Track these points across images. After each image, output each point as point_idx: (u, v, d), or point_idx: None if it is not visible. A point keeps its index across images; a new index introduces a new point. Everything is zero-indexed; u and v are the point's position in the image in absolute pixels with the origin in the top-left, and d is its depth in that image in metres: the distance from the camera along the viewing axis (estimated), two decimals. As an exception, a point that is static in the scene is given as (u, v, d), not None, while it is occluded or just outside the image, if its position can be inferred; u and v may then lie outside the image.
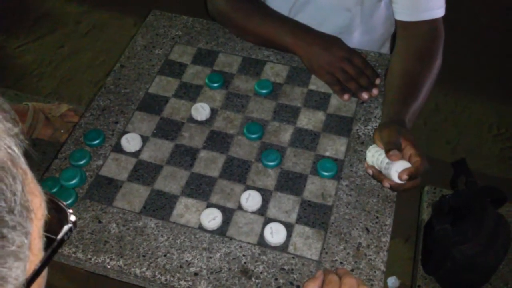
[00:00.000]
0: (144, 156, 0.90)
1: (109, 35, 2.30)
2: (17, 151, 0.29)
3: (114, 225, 0.81)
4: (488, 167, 1.81)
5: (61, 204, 0.35)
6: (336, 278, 0.67)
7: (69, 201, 0.82)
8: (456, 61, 1.94)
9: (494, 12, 2.35)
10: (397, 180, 0.78)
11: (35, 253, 0.31)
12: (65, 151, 0.90)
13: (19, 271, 0.28)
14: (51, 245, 0.34)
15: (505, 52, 2.17)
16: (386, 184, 0.80)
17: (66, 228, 0.34)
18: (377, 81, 0.96)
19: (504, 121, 1.95)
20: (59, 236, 0.34)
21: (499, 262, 1.04)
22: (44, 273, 0.33)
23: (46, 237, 0.33)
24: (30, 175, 0.31)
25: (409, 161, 0.78)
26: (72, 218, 0.35)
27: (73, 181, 0.84)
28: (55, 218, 0.34)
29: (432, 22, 0.94)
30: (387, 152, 0.78)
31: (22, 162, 0.30)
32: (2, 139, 0.28)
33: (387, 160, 0.79)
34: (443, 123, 1.95)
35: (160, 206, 0.83)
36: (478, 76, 2.09)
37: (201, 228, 0.81)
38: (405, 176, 0.76)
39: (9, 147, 0.29)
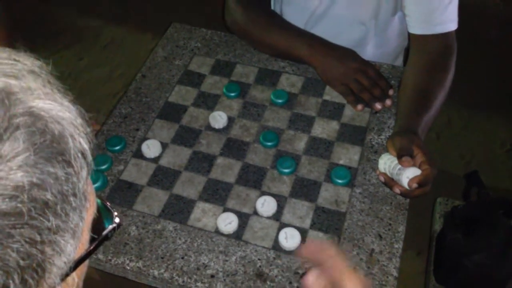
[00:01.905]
0: (164, 162, 0.93)
1: (128, 48, 2.36)
2: (86, 147, 0.34)
3: (134, 228, 0.84)
4: (501, 182, 1.80)
5: (108, 205, 0.39)
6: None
7: (97, 185, 0.86)
8: (470, 76, 1.96)
9: (506, 26, 2.37)
10: (407, 186, 0.80)
11: (83, 243, 0.36)
12: (87, 156, 0.94)
13: (72, 248, 0.32)
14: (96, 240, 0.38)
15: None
16: (397, 190, 0.82)
17: (110, 227, 0.39)
18: (391, 92, 0.99)
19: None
20: (105, 232, 0.39)
21: (511, 273, 1.04)
22: (87, 262, 0.37)
23: (91, 236, 0.38)
24: (90, 172, 0.36)
25: (420, 168, 0.80)
26: (117, 219, 0.40)
27: (96, 185, 0.87)
28: (101, 218, 0.39)
29: (445, 36, 0.97)
30: (399, 158, 0.80)
31: (89, 157, 0.34)
32: (78, 134, 0.33)
33: (399, 166, 0.81)
34: (456, 137, 1.96)
35: (178, 210, 0.86)
36: (492, 91, 2.10)
37: (217, 232, 0.83)
38: (414, 185, 0.78)
39: (82, 142, 0.34)
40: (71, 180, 0.32)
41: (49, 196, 0.30)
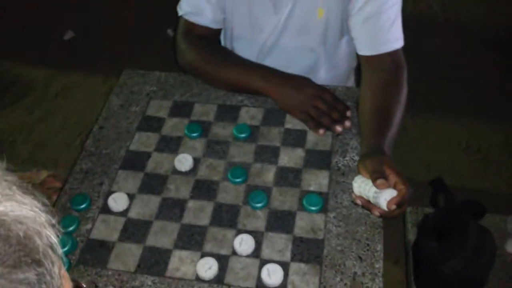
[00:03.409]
0: (133, 214, 0.90)
1: (79, 95, 2.32)
2: (55, 240, 0.33)
3: None
4: (463, 180, 1.87)
5: (83, 287, 0.38)
6: None
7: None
8: (419, 83, 2.03)
9: (446, 34, 2.49)
10: (386, 208, 0.81)
11: None
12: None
13: None
14: None
15: (465, 68, 2.28)
16: (376, 213, 0.83)
17: None
18: (348, 113, 1.01)
19: (472, 135, 2.03)
20: None
21: (487, 272, 1.07)
22: None
23: None
24: (62, 262, 0.35)
25: (395, 188, 0.81)
26: None
27: (65, 249, 0.84)
28: None
29: (393, 54, 1.00)
30: (373, 181, 0.81)
31: (59, 250, 0.34)
32: (45, 229, 0.33)
33: (374, 189, 0.82)
34: (413, 143, 2.02)
35: (154, 262, 0.84)
36: (441, 94, 2.18)
37: (198, 279, 0.81)
38: (393, 206, 0.79)
39: (50, 236, 0.33)
40: (44, 280, 0.31)
41: None
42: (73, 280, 0.37)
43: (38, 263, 0.31)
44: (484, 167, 1.92)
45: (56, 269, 0.33)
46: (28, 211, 0.33)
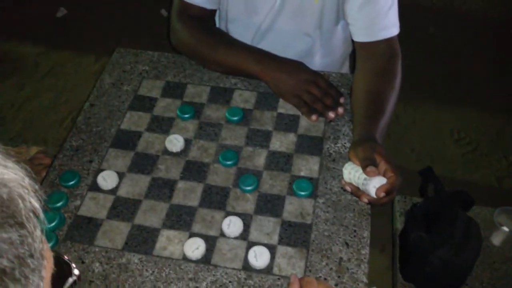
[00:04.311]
0: (122, 192, 0.90)
1: (70, 73, 2.29)
2: (37, 205, 0.34)
3: (97, 264, 0.81)
4: (453, 171, 1.88)
5: (65, 259, 0.38)
6: (312, 279, 0.70)
7: (50, 244, 0.81)
8: (412, 71, 2.03)
9: (440, 22, 2.48)
10: (375, 196, 0.81)
11: None
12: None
13: None
14: None
15: (459, 58, 2.28)
16: (365, 200, 0.83)
17: (70, 280, 0.39)
18: (342, 100, 1.01)
19: (463, 126, 2.04)
20: (65, 287, 0.39)
21: (473, 262, 1.08)
22: None
23: None
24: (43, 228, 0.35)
25: (384, 176, 0.81)
26: (76, 272, 0.40)
27: (52, 224, 0.83)
28: (60, 272, 0.38)
29: (389, 41, 1.00)
30: (364, 168, 0.81)
31: (41, 215, 0.34)
32: (28, 194, 0.33)
33: (364, 176, 0.82)
34: (405, 132, 2.03)
35: (142, 240, 0.84)
36: (434, 84, 2.19)
37: (185, 258, 0.81)
38: (382, 194, 0.79)
39: (32, 201, 0.33)
40: (26, 241, 0.32)
41: (5, 262, 0.30)
42: (54, 251, 0.37)
43: (21, 225, 0.32)
44: (475, 159, 1.93)
45: (38, 233, 0.33)
46: (12, 174, 0.33)
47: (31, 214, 0.33)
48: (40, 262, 0.33)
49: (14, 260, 0.30)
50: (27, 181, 0.34)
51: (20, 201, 0.32)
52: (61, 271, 0.39)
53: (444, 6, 2.58)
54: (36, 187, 0.35)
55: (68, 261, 0.40)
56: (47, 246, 0.36)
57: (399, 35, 1.02)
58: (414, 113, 2.09)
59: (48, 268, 0.35)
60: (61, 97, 2.18)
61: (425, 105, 2.12)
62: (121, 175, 0.92)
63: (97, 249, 0.83)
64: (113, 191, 0.90)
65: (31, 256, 0.32)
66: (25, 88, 2.23)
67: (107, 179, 0.90)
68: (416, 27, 2.35)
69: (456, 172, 1.88)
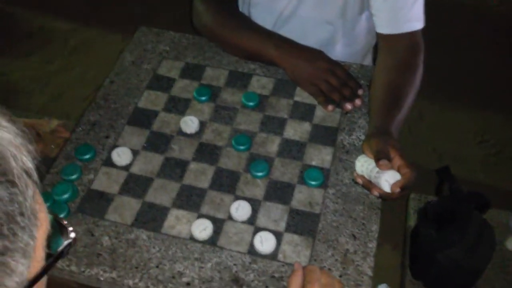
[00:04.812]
0: (135, 169, 0.91)
1: (98, 51, 2.32)
2: (31, 165, 0.34)
3: (106, 238, 0.82)
4: (474, 174, 1.84)
5: (62, 222, 0.39)
6: (315, 267, 0.69)
7: (61, 215, 0.83)
8: (440, 70, 1.99)
9: (471, 21, 2.41)
10: (386, 189, 0.80)
11: (38, 260, 0.35)
12: (56, 166, 0.92)
13: (24, 268, 0.32)
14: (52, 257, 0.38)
15: (488, 60, 2.22)
16: (375, 193, 0.82)
17: (66, 242, 0.39)
18: (360, 92, 0.99)
19: (488, 129, 1.99)
20: (60, 249, 0.39)
21: (484, 266, 1.06)
22: (44, 280, 0.37)
23: (47, 253, 0.38)
24: (38, 190, 0.36)
25: (399, 172, 0.80)
26: (72, 234, 0.40)
27: (65, 196, 0.85)
28: (56, 235, 0.39)
29: (412, 34, 0.97)
30: (376, 161, 0.80)
31: (35, 175, 0.35)
32: (20, 153, 0.33)
33: (376, 169, 0.81)
34: (428, 130, 1.99)
35: (151, 218, 0.85)
36: (462, 84, 2.14)
37: (192, 238, 0.82)
38: (398, 189, 0.78)
39: (26, 161, 0.34)
40: (16, 199, 0.32)
41: None
42: (51, 213, 0.38)
43: (12, 183, 0.32)
44: (497, 162, 1.89)
45: (30, 193, 0.33)
46: (5, 133, 0.33)
47: (24, 174, 0.33)
48: (32, 222, 0.33)
49: (2, 216, 0.31)
50: (19, 140, 0.34)
51: (12, 160, 0.32)
52: (57, 234, 0.39)
53: (480, 5, 2.51)
54: (30, 147, 0.35)
55: (65, 224, 0.40)
56: (43, 208, 0.36)
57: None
58: (439, 112, 2.05)
59: (42, 229, 0.36)
60: (87, 74, 2.22)
61: (451, 105, 2.08)
62: (135, 152, 0.93)
63: (107, 223, 0.84)
64: (126, 167, 0.91)
65: (21, 214, 0.32)
66: (53, 63, 2.27)
67: (121, 156, 0.91)
68: (447, 27, 2.29)
69: (477, 175, 1.84)
